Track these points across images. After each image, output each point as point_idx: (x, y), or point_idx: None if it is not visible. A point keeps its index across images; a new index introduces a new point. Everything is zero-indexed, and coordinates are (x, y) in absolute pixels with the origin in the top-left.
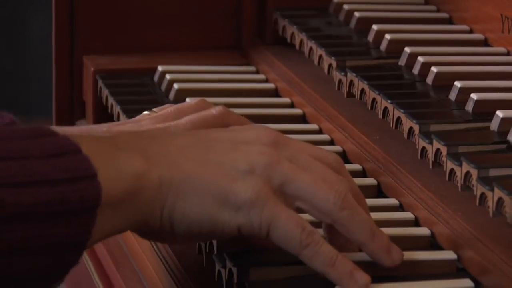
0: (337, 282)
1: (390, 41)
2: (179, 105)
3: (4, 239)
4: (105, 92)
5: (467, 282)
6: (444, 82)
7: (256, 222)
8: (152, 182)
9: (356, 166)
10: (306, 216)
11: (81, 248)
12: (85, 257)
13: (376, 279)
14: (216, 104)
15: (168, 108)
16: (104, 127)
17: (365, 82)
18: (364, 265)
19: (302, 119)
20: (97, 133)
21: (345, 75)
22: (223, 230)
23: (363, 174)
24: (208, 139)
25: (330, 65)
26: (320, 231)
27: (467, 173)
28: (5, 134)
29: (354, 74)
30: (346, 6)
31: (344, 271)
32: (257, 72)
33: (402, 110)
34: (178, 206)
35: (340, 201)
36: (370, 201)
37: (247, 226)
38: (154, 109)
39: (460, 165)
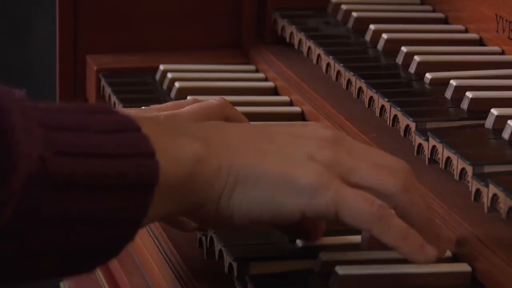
0: (408, 255)
1: (387, 41)
2: (178, 101)
3: (57, 208)
4: (108, 90)
5: (465, 266)
6: (440, 80)
7: (322, 204)
8: (211, 167)
9: None
10: None
11: (136, 225)
12: None
13: None
14: None
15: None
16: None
17: (363, 81)
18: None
19: (301, 117)
20: (159, 116)
21: (344, 74)
22: (285, 215)
23: None
24: (268, 132)
25: (328, 64)
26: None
27: (463, 169)
28: (69, 107)
29: (351, 73)
30: (344, 6)
31: (415, 244)
32: (257, 71)
33: (398, 108)
34: (237, 192)
35: (402, 185)
36: None
37: (312, 210)
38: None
39: (456, 161)
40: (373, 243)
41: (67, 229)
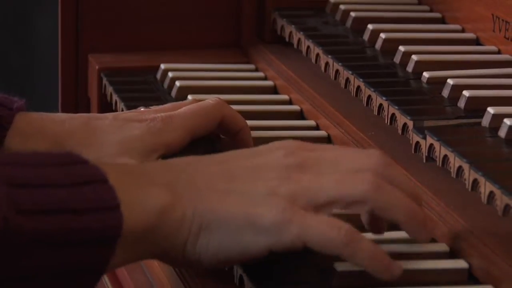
0: (376, 274)
1: (385, 40)
2: (177, 102)
3: (23, 264)
4: (110, 89)
5: (461, 262)
6: (437, 79)
7: (288, 240)
8: (175, 217)
9: None
10: None
11: (98, 276)
12: None
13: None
14: None
15: (166, 104)
16: (110, 116)
17: (361, 79)
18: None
19: (300, 115)
20: (125, 164)
21: (343, 73)
22: (252, 254)
23: None
24: (231, 169)
25: (327, 63)
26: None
27: (460, 167)
28: (34, 160)
29: (350, 72)
30: (342, 6)
31: (382, 264)
32: (257, 70)
33: (396, 107)
34: (202, 238)
35: (371, 186)
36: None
37: (279, 246)
38: (152, 107)
39: (453, 158)
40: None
41: (30, 284)
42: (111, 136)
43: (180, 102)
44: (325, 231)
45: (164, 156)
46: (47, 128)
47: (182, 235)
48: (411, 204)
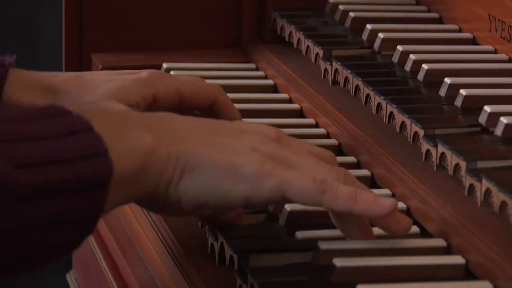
0: (365, 213)
1: (384, 40)
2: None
3: (21, 218)
4: None
5: (458, 258)
6: (435, 78)
7: (266, 190)
8: (161, 157)
9: (351, 159)
10: None
11: (94, 221)
12: (93, 245)
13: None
14: None
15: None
16: (103, 72)
17: (360, 78)
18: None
19: (300, 113)
20: (107, 111)
21: (342, 72)
22: (230, 201)
23: (357, 166)
24: (214, 124)
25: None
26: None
27: (457, 164)
28: (20, 115)
29: (349, 71)
30: (341, 7)
31: (368, 201)
32: (257, 69)
33: (394, 106)
34: (184, 179)
35: (318, 186)
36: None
37: (257, 196)
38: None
39: (451, 157)
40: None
41: (32, 234)
42: (104, 84)
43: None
44: (302, 181)
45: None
46: (43, 80)
47: (167, 175)
48: (357, 192)
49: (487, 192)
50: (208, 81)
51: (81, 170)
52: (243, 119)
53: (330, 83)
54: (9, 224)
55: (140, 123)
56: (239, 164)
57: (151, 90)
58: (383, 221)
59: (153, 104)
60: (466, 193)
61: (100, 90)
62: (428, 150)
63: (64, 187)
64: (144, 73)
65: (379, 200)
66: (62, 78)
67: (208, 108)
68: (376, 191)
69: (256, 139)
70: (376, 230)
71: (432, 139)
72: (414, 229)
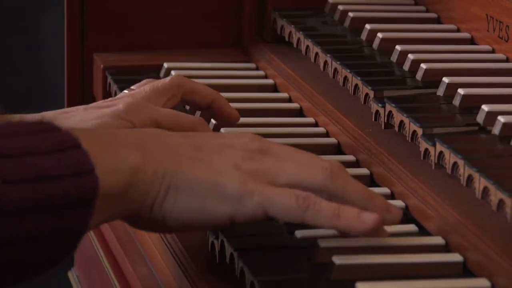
0: (348, 230)
1: (382, 40)
2: (156, 81)
3: (8, 232)
4: (114, 87)
5: (456, 256)
6: (433, 78)
7: (249, 209)
8: (147, 175)
9: (350, 157)
10: None
11: (79, 237)
12: (95, 242)
13: (384, 279)
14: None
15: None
16: (80, 107)
17: (359, 78)
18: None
19: (299, 113)
20: (95, 129)
21: (340, 72)
22: (214, 221)
23: (356, 164)
24: (198, 141)
25: (325, 62)
26: None
27: (455, 163)
28: (10, 130)
29: (348, 71)
30: (340, 7)
31: (350, 217)
32: (257, 68)
33: (393, 105)
34: (169, 197)
35: (329, 174)
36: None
37: (240, 215)
38: (132, 87)
39: (448, 155)
40: None
41: (17, 248)
42: (78, 126)
43: (159, 80)
44: (284, 199)
45: None
46: None
47: (152, 193)
48: (369, 191)
49: (485, 190)
50: (208, 80)
51: (67, 187)
52: (243, 118)
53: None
54: None
55: (128, 141)
56: (222, 183)
57: (127, 123)
58: (374, 210)
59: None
60: (464, 184)
61: None
62: (426, 149)
63: (50, 204)
64: (120, 105)
65: (362, 216)
66: None
67: None
68: (375, 189)
69: (239, 155)
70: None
71: (430, 138)
72: (413, 227)
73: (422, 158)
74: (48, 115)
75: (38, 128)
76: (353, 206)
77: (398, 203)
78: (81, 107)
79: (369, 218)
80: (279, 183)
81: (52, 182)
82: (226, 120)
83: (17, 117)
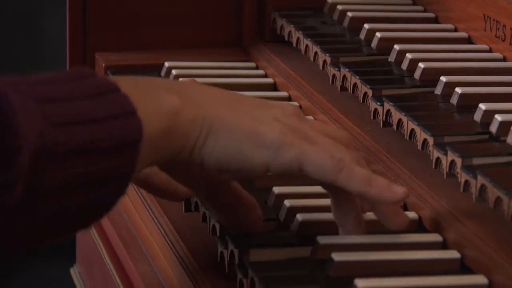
0: (378, 197)
1: (381, 39)
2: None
3: (59, 175)
4: None
5: (454, 253)
6: (431, 77)
7: (286, 160)
8: (187, 118)
9: None
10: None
11: (127, 179)
12: (97, 240)
13: (383, 275)
14: None
15: None
16: None
17: (357, 77)
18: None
19: None
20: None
21: (339, 71)
22: (251, 167)
23: None
24: (238, 95)
25: (324, 61)
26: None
27: (452, 161)
28: (50, 78)
29: (347, 70)
30: (339, 7)
31: (382, 186)
32: (257, 67)
33: (391, 103)
34: (208, 141)
35: (336, 164)
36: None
37: (277, 164)
38: None
39: (446, 154)
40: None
41: (69, 193)
42: None
43: None
44: (321, 157)
45: None
46: None
47: (192, 136)
48: (372, 175)
49: (482, 188)
50: (209, 79)
51: (112, 130)
52: None
53: (331, 81)
54: (46, 183)
55: (166, 86)
56: (262, 131)
57: None
58: (385, 210)
59: None
60: (461, 189)
61: None
62: (424, 147)
63: (96, 146)
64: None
65: (392, 186)
66: None
67: None
68: None
69: (279, 112)
70: (375, 228)
71: (427, 133)
72: (411, 226)
73: (420, 149)
74: None
75: (76, 75)
76: (355, 192)
77: None
78: None
79: (399, 189)
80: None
81: (97, 124)
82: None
83: None
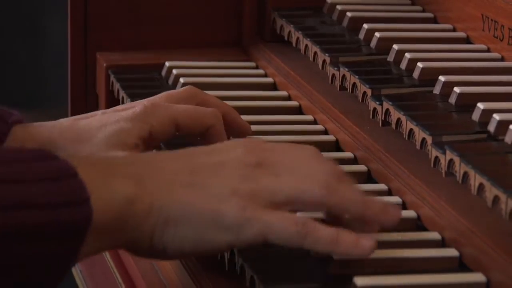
0: (346, 254)
1: (380, 39)
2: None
3: None
4: (117, 86)
5: (453, 251)
6: (429, 76)
7: (249, 237)
8: (142, 207)
9: (348, 154)
10: None
11: (68, 266)
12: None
13: (382, 273)
14: (222, 99)
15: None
16: (99, 112)
17: (357, 76)
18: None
19: (298, 111)
20: (94, 156)
21: (338, 70)
22: (215, 249)
23: (354, 161)
24: (193, 163)
25: (324, 61)
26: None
27: (451, 160)
28: (8, 157)
29: (346, 69)
30: (339, 7)
31: (349, 243)
32: (257, 67)
33: (390, 103)
34: (168, 230)
35: (326, 189)
36: (361, 186)
37: (240, 243)
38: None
39: (444, 153)
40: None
41: (7, 274)
42: (100, 131)
43: (174, 90)
44: (284, 226)
45: (148, 146)
46: (40, 134)
47: (149, 226)
48: (366, 199)
49: (481, 187)
50: (209, 79)
51: (61, 216)
52: (243, 117)
53: (330, 81)
54: None
55: (124, 171)
56: (221, 211)
57: (147, 126)
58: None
59: (149, 140)
60: (460, 181)
61: (96, 140)
62: (423, 146)
63: (41, 232)
64: (138, 107)
65: (360, 241)
66: (59, 130)
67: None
68: (372, 185)
69: (236, 174)
70: None
71: (426, 132)
72: (412, 213)
73: (419, 148)
74: (65, 122)
75: (36, 156)
76: (350, 215)
77: (395, 199)
78: (99, 112)
79: (366, 243)
80: (278, 202)
81: (45, 210)
82: (237, 132)
83: (35, 125)
